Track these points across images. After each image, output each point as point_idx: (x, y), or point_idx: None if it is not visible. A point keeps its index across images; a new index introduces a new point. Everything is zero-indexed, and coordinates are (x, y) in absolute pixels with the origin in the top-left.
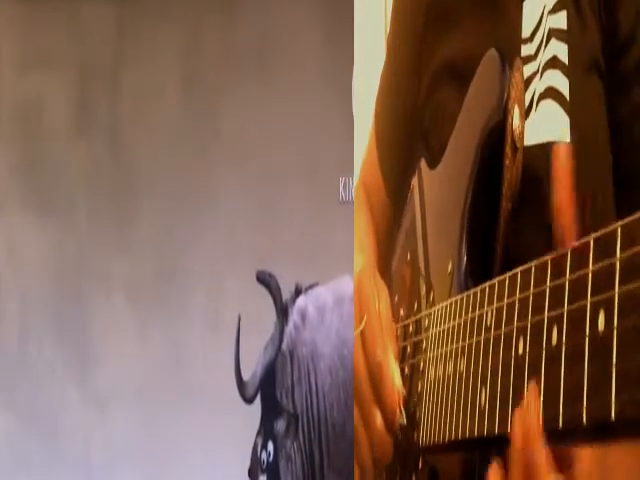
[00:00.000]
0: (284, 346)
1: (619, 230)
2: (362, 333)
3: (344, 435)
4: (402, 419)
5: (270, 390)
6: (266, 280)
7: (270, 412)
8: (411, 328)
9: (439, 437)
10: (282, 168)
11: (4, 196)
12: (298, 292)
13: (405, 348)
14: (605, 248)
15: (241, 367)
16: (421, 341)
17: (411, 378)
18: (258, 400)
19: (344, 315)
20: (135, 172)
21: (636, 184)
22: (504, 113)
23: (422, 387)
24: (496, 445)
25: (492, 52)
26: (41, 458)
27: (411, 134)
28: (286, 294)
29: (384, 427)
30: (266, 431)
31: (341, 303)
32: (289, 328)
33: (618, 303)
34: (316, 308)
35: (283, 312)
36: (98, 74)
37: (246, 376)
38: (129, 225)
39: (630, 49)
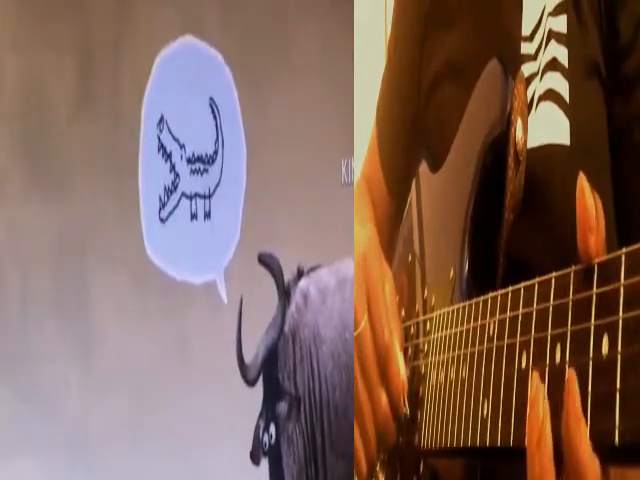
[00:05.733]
0: (286, 328)
1: (623, 257)
2: (369, 313)
3: (346, 418)
4: (406, 409)
5: (272, 372)
6: (268, 262)
7: (272, 394)
8: (412, 330)
9: (441, 442)
10: (283, 149)
11: (5, 173)
12: (300, 274)
13: (407, 350)
14: (609, 273)
15: (243, 349)
16: (423, 344)
17: (412, 380)
18: (260, 382)
19: (346, 297)
20: (137, 149)
21: (635, 188)
22: (507, 125)
23: (423, 390)
24: (498, 455)
25: (494, 63)
26: (41, 437)
27: (412, 135)
28: (288, 276)
29: (389, 407)
30: (268, 413)
31: (344, 285)
32: (291, 310)
33: (622, 329)
34: (318, 290)
35: (285, 294)
36: (99, 49)
37: (248, 358)
38: (131, 203)
39: (631, 54)
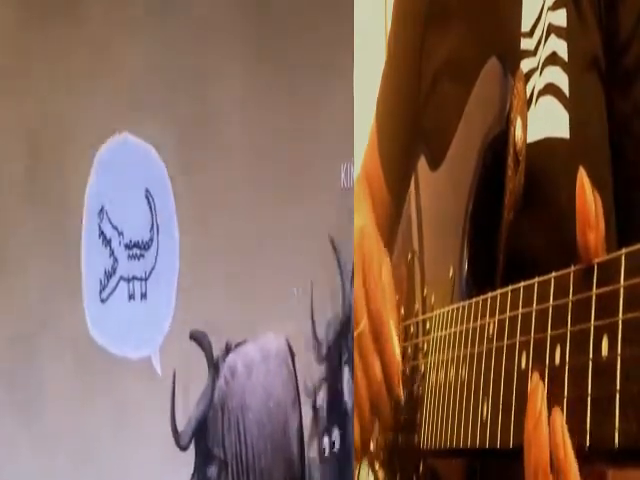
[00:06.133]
0: (215, 399)
1: (623, 257)
2: (365, 290)
3: None
4: (401, 392)
5: (203, 439)
6: (199, 338)
7: (203, 459)
8: (412, 329)
9: (441, 442)
10: (213, 235)
11: None
12: (228, 349)
13: (406, 349)
14: (608, 274)
15: (176, 418)
16: (422, 344)
17: (412, 380)
18: (192, 447)
19: (270, 371)
20: (80, 236)
21: (635, 181)
22: (506, 123)
23: (423, 390)
24: (498, 456)
25: (494, 61)
26: None
27: (411, 133)
28: (217, 351)
29: (383, 382)
30: (199, 476)
31: (267, 360)
32: (220, 383)
33: (622, 330)
34: (244, 365)
35: (214, 368)
36: (46, 143)
37: (181, 426)
38: (75, 286)
39: (630, 48)
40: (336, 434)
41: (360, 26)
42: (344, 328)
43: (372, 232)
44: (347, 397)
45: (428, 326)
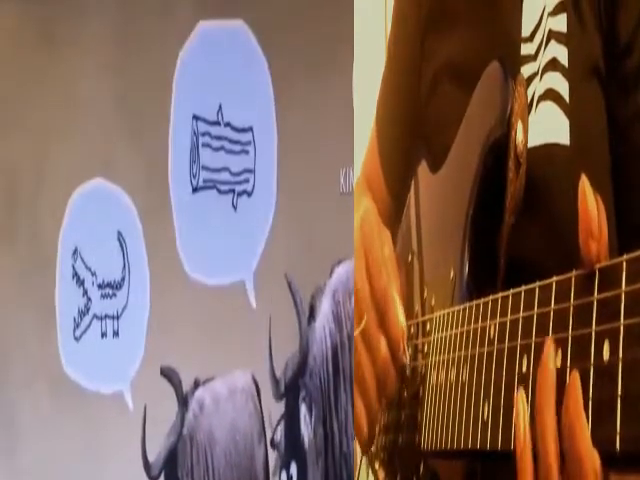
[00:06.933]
0: (184, 432)
1: (624, 264)
2: (366, 266)
3: None
4: (406, 357)
5: (173, 470)
6: (169, 374)
7: None
8: (412, 330)
9: (441, 443)
10: (181, 277)
11: None
12: (197, 385)
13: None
14: (610, 279)
15: (147, 450)
16: (423, 345)
17: (412, 381)
18: (163, 478)
19: (237, 405)
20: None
21: (635, 188)
22: (507, 127)
23: (424, 391)
24: (498, 458)
25: (495, 65)
26: None
27: (412, 136)
28: (186, 386)
29: (388, 353)
30: None
31: (234, 395)
32: (189, 416)
33: (623, 335)
34: (212, 399)
35: (184, 402)
36: (21, 186)
37: (151, 458)
38: (49, 324)
39: (631, 54)
40: (294, 469)
41: (360, 29)
42: (301, 367)
43: (371, 215)
44: (304, 433)
45: (428, 327)
